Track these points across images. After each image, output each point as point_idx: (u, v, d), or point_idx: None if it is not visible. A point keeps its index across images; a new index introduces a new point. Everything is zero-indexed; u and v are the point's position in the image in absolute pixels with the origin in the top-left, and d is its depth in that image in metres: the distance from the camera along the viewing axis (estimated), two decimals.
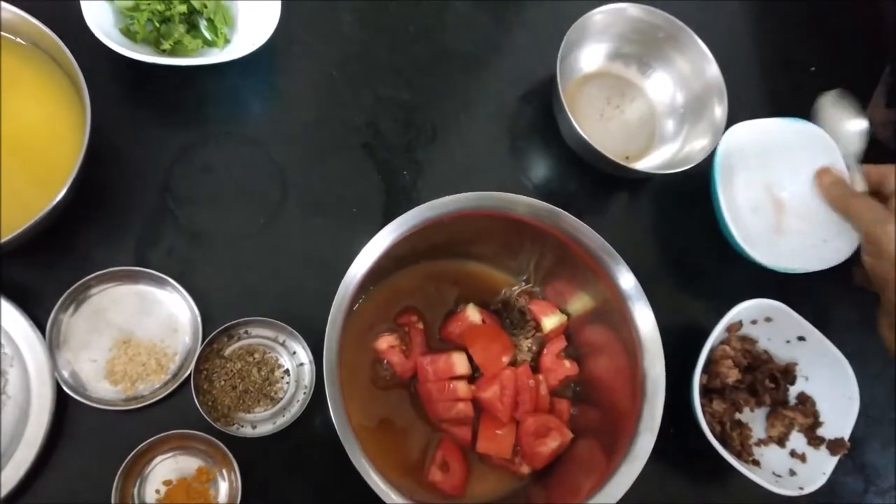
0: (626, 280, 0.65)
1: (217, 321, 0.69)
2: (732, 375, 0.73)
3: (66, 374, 0.67)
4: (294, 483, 0.68)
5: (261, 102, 0.80)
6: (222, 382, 0.68)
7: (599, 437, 0.67)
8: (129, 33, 0.73)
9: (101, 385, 0.67)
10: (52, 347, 0.66)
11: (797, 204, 0.78)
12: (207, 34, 0.76)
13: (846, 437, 0.73)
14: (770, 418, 0.76)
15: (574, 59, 0.84)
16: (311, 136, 0.79)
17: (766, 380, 0.76)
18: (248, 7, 0.78)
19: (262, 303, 0.71)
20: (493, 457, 0.68)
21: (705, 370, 0.73)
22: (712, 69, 0.81)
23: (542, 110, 0.83)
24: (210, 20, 0.75)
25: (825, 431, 0.74)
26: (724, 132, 0.78)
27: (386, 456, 0.65)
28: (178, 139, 0.76)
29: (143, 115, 0.76)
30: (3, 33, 0.69)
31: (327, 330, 0.59)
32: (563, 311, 0.73)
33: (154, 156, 0.75)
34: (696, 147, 0.80)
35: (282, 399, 0.69)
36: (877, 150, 0.81)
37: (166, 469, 0.66)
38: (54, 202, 0.62)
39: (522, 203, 0.66)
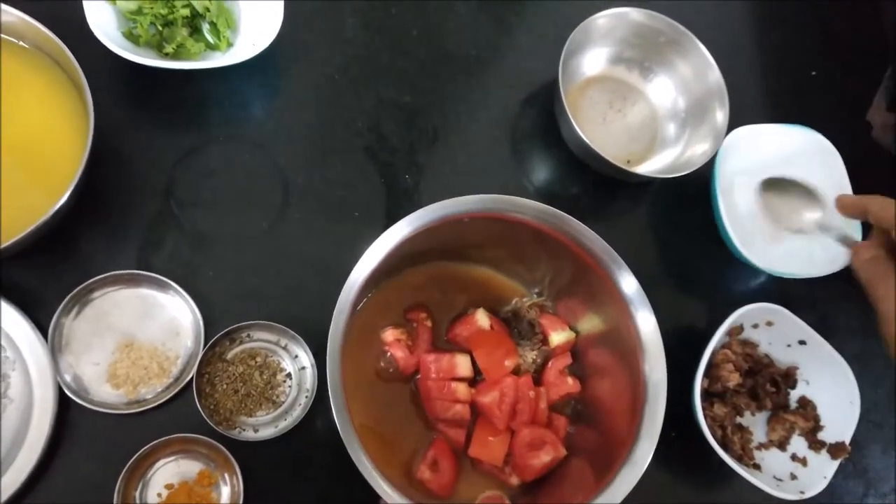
0: (629, 284, 0.65)
1: (219, 325, 0.69)
2: (733, 379, 0.73)
3: (68, 377, 0.67)
4: (296, 486, 0.68)
5: (263, 105, 0.80)
6: (224, 386, 0.68)
7: (592, 459, 0.66)
8: (131, 37, 0.73)
9: (103, 388, 0.67)
10: (55, 351, 0.66)
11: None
12: (210, 38, 0.76)
13: (847, 441, 0.73)
14: (771, 422, 0.76)
15: (576, 63, 0.84)
16: (314, 139, 0.79)
17: (767, 384, 0.76)
18: (250, 10, 0.78)
19: (264, 306, 0.71)
20: (484, 463, 0.68)
21: (706, 374, 0.73)
22: (714, 74, 0.81)
23: (544, 113, 0.83)
24: (213, 24, 0.75)
25: (826, 435, 0.74)
26: (725, 137, 0.78)
27: (383, 453, 0.65)
28: (181, 142, 0.76)
29: (145, 118, 0.76)
30: (5, 36, 0.69)
31: (329, 335, 0.59)
32: (572, 328, 0.73)
33: (156, 159, 0.75)
34: (698, 151, 0.80)
35: (284, 403, 0.69)
36: (877, 154, 0.81)
37: (168, 473, 0.66)
38: (57, 206, 0.62)
39: (529, 206, 0.65)
